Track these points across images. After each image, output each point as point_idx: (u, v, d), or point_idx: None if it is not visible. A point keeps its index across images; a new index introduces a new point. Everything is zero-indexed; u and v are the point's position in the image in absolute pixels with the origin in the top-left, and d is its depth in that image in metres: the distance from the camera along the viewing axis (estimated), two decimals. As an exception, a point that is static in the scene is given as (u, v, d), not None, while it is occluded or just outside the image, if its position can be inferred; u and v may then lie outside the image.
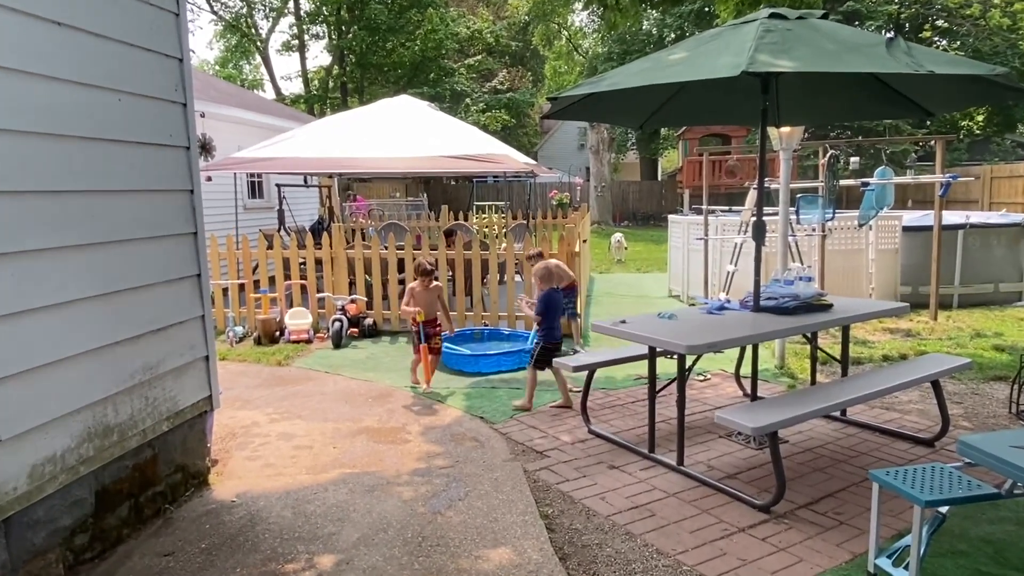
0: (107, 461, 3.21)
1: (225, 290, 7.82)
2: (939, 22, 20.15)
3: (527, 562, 3.03)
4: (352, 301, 7.48)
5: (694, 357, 4.13)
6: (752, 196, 7.37)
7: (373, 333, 7.43)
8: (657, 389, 4.11)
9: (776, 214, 6.17)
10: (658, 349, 3.99)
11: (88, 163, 3.11)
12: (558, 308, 5.10)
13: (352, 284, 7.87)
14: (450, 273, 7.87)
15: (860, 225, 7.88)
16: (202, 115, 9.18)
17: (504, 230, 12.26)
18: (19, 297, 2.77)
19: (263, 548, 3.18)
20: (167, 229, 3.57)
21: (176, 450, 3.67)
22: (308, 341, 7.13)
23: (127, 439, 3.32)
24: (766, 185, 6.31)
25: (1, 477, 2.70)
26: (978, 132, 22.55)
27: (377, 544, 3.19)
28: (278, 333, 7.22)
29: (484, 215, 14.49)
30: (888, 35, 3.71)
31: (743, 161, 19.99)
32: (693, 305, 8.58)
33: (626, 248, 15.71)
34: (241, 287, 7.81)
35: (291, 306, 7.66)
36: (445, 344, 5.84)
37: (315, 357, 6.61)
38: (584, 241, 8.85)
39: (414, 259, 7.39)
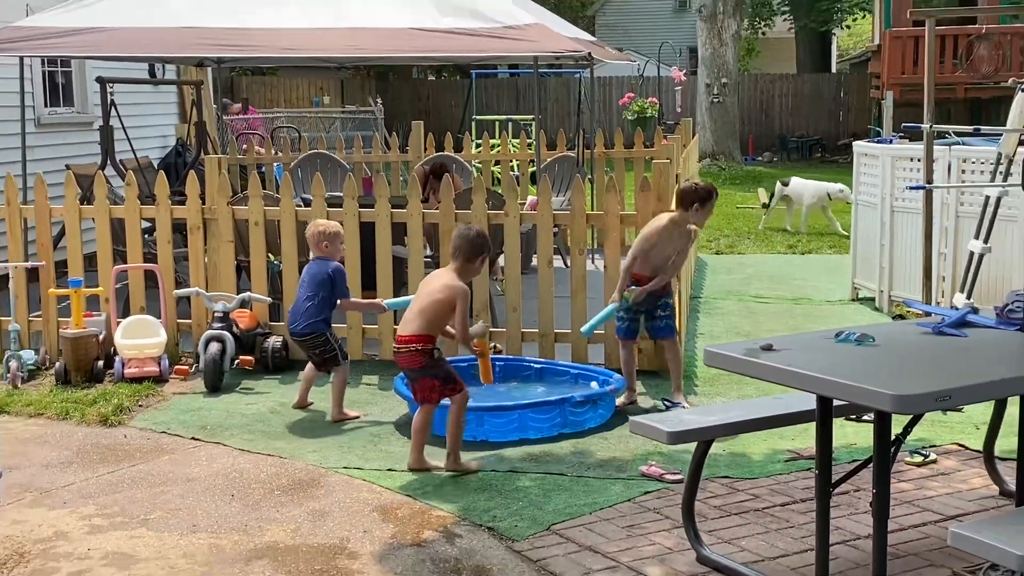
0: None
1: (4, 279, 7.91)
2: None
3: None
4: (244, 304, 7.55)
5: (907, 419, 4.12)
6: (1022, 104, 7.30)
7: (282, 364, 7.48)
8: (833, 480, 4.11)
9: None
10: (836, 401, 3.98)
11: None
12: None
13: (243, 271, 7.90)
14: (430, 253, 7.89)
15: None
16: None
17: (532, 169, 12.25)
18: None
19: None
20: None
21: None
22: (160, 379, 7.18)
23: None
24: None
25: None
26: None
27: None
28: (102, 363, 7.28)
29: (495, 140, 14.49)
30: None
31: (1004, 38, 19.80)
32: (903, 317, 8.51)
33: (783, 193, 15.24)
34: (33, 274, 7.90)
35: (127, 313, 7.72)
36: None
37: (174, 409, 6.63)
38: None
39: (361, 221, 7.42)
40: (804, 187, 15.02)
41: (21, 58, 9.05)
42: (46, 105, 12.03)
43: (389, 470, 5.56)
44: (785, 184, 15.15)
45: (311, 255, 6.72)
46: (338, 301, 6.58)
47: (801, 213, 15.04)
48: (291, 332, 6.69)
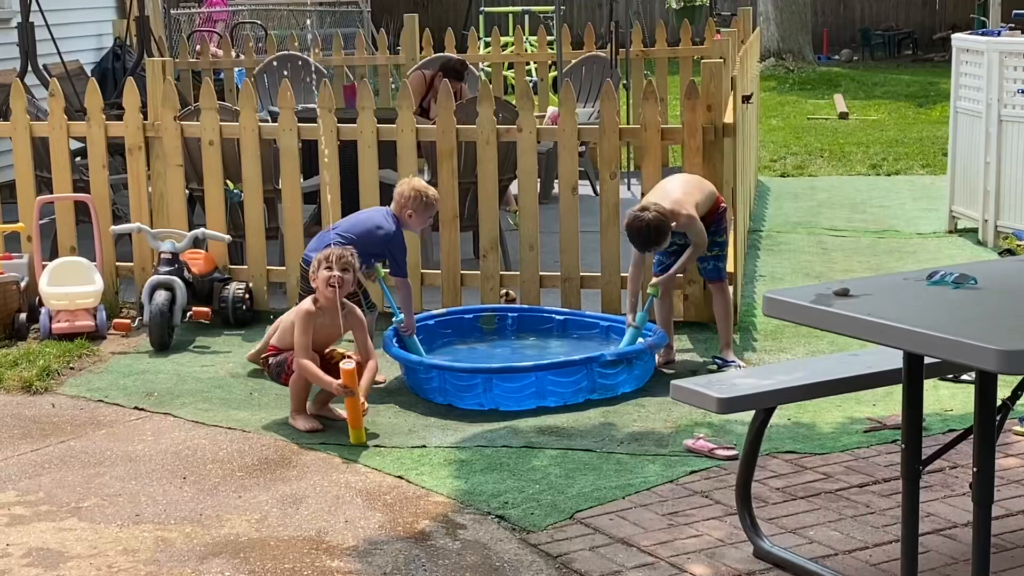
0: None
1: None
2: None
3: None
4: (198, 243, 7.52)
5: (1017, 380, 4.08)
6: None
7: (246, 317, 7.48)
8: (924, 456, 4.08)
9: None
10: (928, 358, 3.93)
11: None
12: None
13: (197, 201, 7.87)
14: (428, 178, 7.85)
15: None
16: None
17: (554, 73, 12.17)
18: None
19: None
20: None
21: None
22: (95, 335, 7.18)
23: None
24: None
25: None
26: None
27: None
28: (24, 316, 7.27)
29: (507, 37, 14.40)
30: None
31: None
32: (1013, 253, 8.45)
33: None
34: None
35: (55, 255, 7.73)
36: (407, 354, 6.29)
37: (113, 372, 6.62)
38: (747, 99, 8.73)
39: (339, 140, 7.38)
40: None
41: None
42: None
43: (377, 446, 5.53)
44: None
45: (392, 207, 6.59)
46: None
47: None
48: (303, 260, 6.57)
